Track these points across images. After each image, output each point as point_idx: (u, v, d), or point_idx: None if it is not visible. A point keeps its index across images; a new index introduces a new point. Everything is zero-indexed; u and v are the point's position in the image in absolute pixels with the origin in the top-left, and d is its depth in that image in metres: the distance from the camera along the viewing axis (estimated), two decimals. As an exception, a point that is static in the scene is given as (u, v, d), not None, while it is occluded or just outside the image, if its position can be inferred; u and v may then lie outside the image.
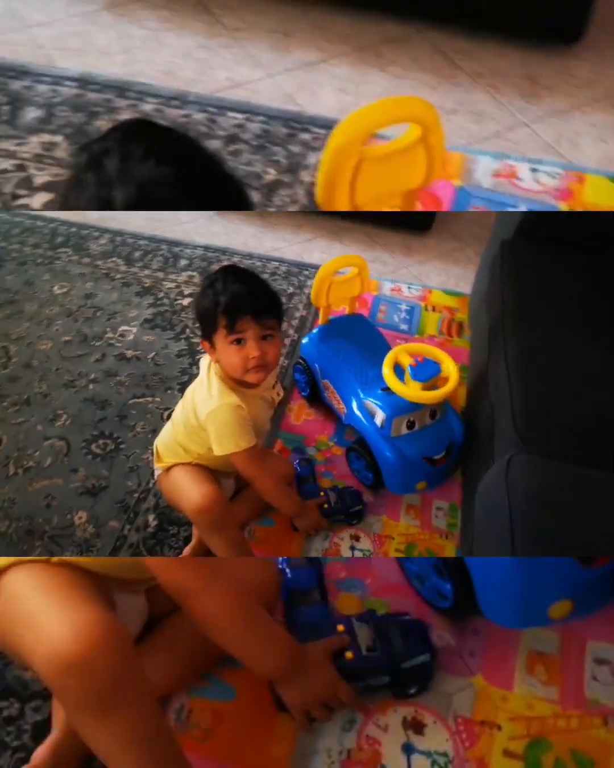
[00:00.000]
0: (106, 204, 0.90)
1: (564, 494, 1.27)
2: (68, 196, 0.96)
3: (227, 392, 1.54)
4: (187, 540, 1.69)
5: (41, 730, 1.35)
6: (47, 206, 2.06)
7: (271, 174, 2.17)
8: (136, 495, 1.79)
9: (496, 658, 1.48)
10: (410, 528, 1.76)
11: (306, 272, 1.92)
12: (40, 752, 1.29)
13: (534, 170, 2.21)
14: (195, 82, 2.38)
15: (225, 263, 2.40)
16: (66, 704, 1.08)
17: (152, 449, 1.76)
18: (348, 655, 1.38)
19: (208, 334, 1.54)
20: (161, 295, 2.43)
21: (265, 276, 2.46)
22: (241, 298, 1.47)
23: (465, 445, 1.78)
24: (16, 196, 2.07)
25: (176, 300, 2.41)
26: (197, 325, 1.63)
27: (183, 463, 1.66)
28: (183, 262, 2.57)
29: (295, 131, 2.25)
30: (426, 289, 2.49)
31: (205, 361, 1.63)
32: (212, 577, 1.26)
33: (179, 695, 1.42)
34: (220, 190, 1.00)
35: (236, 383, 1.57)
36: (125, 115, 2.24)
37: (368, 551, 1.70)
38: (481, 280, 2.02)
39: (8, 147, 2.17)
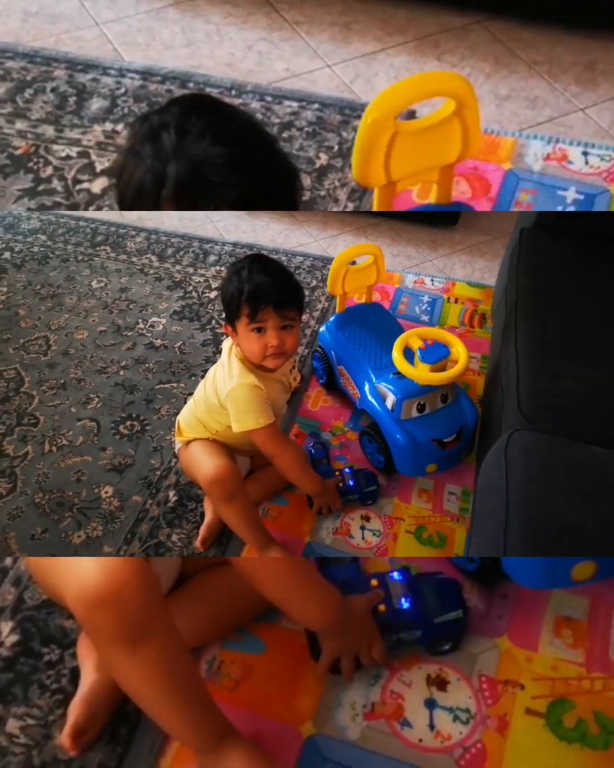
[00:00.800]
0: (159, 178, 0.92)
1: (561, 469, 1.29)
2: (125, 165, 0.99)
3: (247, 373, 1.59)
4: (204, 515, 1.75)
5: (78, 674, 1.41)
6: (105, 190, 2.14)
7: (323, 159, 2.22)
8: (159, 472, 1.88)
9: (523, 622, 1.50)
10: (421, 511, 1.78)
11: (329, 266, 1.99)
12: (75, 709, 1.35)
13: (585, 153, 2.21)
14: (254, 74, 2.45)
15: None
16: (97, 639, 1.14)
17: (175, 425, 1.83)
18: (382, 608, 1.43)
19: (231, 320, 1.58)
20: (190, 288, 2.53)
21: (289, 269, 2.52)
22: (264, 289, 1.51)
23: (479, 431, 1.79)
24: (77, 181, 2.16)
25: (204, 293, 2.51)
26: (222, 310, 1.67)
27: (201, 439, 1.72)
28: (212, 258, 2.66)
29: (349, 118, 2.30)
30: (449, 281, 2.51)
31: (227, 343, 1.68)
32: None
33: (212, 647, 1.48)
34: (273, 176, 1.03)
35: (254, 367, 1.62)
36: (185, 105, 2.32)
37: (378, 531, 1.73)
38: (504, 270, 2.03)
39: (73, 135, 2.27)
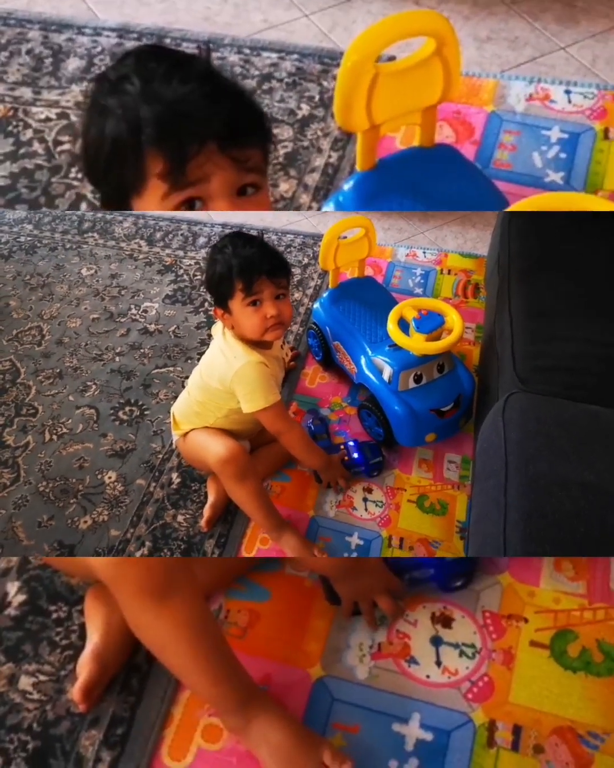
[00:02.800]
0: (133, 124, 0.89)
1: (557, 427, 1.29)
2: (90, 125, 0.95)
3: (250, 351, 1.58)
4: (208, 496, 1.76)
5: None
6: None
7: (304, 109, 2.21)
8: (161, 456, 1.89)
9: (523, 557, 1.52)
10: (422, 480, 1.79)
11: (320, 243, 1.97)
12: (84, 665, 1.36)
13: (567, 92, 2.19)
14: (231, 26, 2.42)
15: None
16: (124, 594, 1.16)
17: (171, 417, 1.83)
18: None
19: (222, 301, 1.56)
20: (181, 272, 2.52)
21: (281, 248, 2.54)
22: (254, 260, 1.50)
23: (476, 399, 1.80)
24: (58, 143, 2.14)
25: (195, 276, 2.50)
26: (210, 294, 1.66)
27: (199, 428, 1.72)
28: (201, 240, 2.64)
29: (329, 67, 2.27)
30: (442, 253, 2.49)
31: (217, 328, 1.67)
32: None
33: (217, 597, 1.50)
34: (248, 106, 1.02)
35: (253, 345, 1.60)
36: (162, 61, 2.29)
37: (381, 502, 1.75)
38: (495, 239, 2.03)
39: (52, 97, 2.24)
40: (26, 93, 2.25)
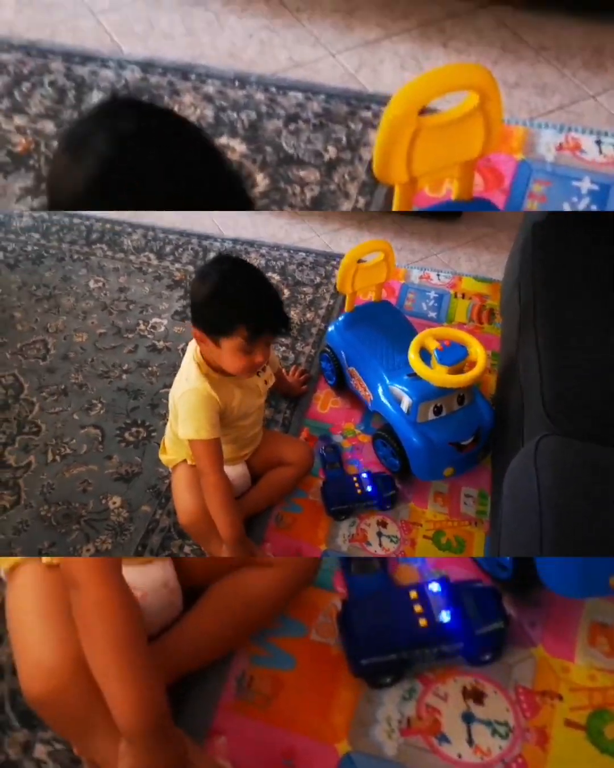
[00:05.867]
0: (87, 187, 0.84)
1: (593, 474, 1.26)
2: (54, 179, 0.91)
3: (201, 378, 1.50)
4: None
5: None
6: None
7: (331, 152, 2.17)
8: (167, 480, 1.80)
9: (557, 630, 1.48)
10: (438, 515, 1.75)
11: (333, 262, 1.88)
12: None
13: (598, 142, 2.17)
14: (257, 63, 2.39)
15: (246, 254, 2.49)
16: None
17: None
18: (423, 622, 1.39)
19: (214, 333, 1.44)
20: None
21: (292, 267, 2.47)
22: (268, 316, 1.44)
23: (494, 432, 1.75)
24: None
25: None
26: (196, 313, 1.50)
27: (184, 463, 1.67)
28: (212, 255, 2.53)
29: (356, 109, 2.25)
30: (456, 276, 2.42)
31: (191, 345, 1.58)
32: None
33: (240, 663, 1.45)
34: (210, 176, 0.92)
35: (220, 372, 1.53)
36: (187, 98, 2.27)
37: (395, 537, 1.70)
38: (513, 264, 1.98)
39: (74, 131, 2.21)
40: (48, 126, 2.22)
